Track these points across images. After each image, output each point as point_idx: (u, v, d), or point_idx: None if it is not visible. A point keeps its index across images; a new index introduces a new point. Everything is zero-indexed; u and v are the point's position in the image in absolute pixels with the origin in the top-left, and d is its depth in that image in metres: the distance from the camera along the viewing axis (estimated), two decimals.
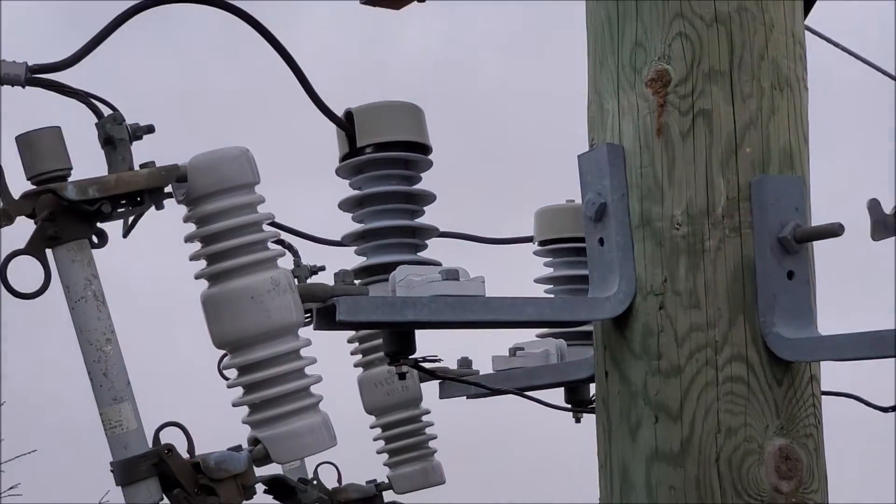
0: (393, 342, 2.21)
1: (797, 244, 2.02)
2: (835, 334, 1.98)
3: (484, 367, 2.70)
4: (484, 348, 2.69)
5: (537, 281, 2.78)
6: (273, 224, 2.16)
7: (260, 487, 2.07)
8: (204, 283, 2.04)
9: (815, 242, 2.06)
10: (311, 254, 2.65)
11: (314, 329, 2.05)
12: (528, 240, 2.83)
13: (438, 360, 2.32)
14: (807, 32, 2.21)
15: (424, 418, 2.76)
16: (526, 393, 2.53)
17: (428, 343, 2.30)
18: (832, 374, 2.18)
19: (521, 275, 2.87)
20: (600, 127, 2.15)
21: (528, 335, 2.71)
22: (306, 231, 2.72)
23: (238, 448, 2.00)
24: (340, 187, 2.42)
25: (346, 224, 2.43)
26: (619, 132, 2.11)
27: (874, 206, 1.69)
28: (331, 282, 2.06)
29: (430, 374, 2.45)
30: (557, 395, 2.76)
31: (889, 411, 2.44)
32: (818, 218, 2.07)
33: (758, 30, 2.07)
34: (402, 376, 2.43)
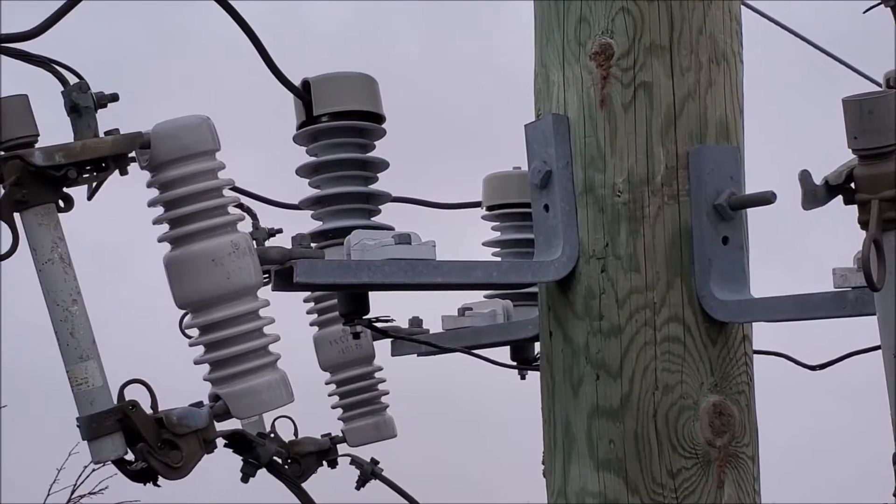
0: (348, 303, 2.27)
1: (732, 211, 2.08)
2: (766, 297, 2.06)
3: (434, 326, 2.74)
4: (435, 308, 2.75)
5: (485, 244, 2.82)
6: (233, 189, 2.21)
7: (220, 441, 2.12)
8: (167, 246, 2.08)
9: (748, 209, 2.13)
10: (269, 217, 2.70)
11: (272, 290, 2.09)
12: (477, 205, 2.88)
13: (391, 321, 2.38)
14: (743, 8, 2.28)
15: (377, 375, 2.79)
16: (473, 351, 2.60)
17: (381, 303, 2.37)
18: (764, 334, 2.27)
19: (469, 238, 2.93)
20: (546, 98, 2.20)
21: (476, 296, 2.76)
22: (265, 195, 2.76)
23: (199, 404, 2.05)
24: (298, 153, 2.48)
25: (304, 189, 2.50)
26: (565, 103, 2.16)
27: (805, 176, 1.73)
28: (288, 245, 2.10)
29: (383, 334, 2.50)
30: (504, 353, 2.84)
31: (816, 369, 2.54)
32: (752, 186, 2.15)
33: (696, 6, 2.12)
34: (356, 336, 2.49)
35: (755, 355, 2.18)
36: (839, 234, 1.97)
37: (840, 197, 1.74)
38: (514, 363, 2.82)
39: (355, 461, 2.82)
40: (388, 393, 2.83)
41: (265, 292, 2.11)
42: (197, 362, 2.10)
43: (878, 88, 1.91)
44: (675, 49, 2.11)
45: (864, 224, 1.71)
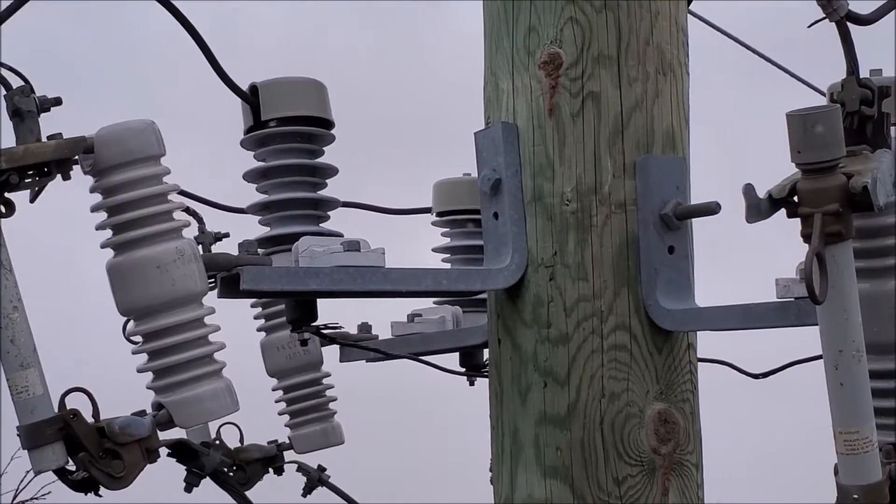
0: (295, 310, 2.25)
1: (678, 221, 2.10)
2: (711, 306, 2.07)
3: (384, 331, 2.73)
4: (385, 313, 2.74)
5: (435, 250, 2.83)
6: (179, 192, 2.19)
7: (164, 451, 2.10)
8: (110, 252, 2.07)
9: (694, 219, 2.14)
10: (217, 222, 2.68)
11: (218, 297, 2.08)
12: (427, 210, 2.89)
13: (339, 327, 2.37)
14: (691, 18, 2.30)
15: (325, 381, 2.79)
16: (421, 357, 2.59)
17: (331, 308, 2.36)
18: (709, 342, 2.28)
19: (421, 244, 2.93)
20: (496, 106, 2.20)
21: (426, 302, 2.76)
22: (213, 199, 2.74)
23: (142, 413, 2.03)
24: (246, 158, 2.47)
25: (252, 194, 2.48)
26: (514, 111, 2.16)
27: (748, 190, 1.74)
28: (235, 250, 2.10)
29: (331, 340, 2.50)
30: (453, 360, 2.84)
31: (759, 378, 2.56)
32: (697, 196, 2.16)
33: (644, 17, 2.14)
34: (303, 343, 2.48)
35: (700, 363, 2.20)
36: (783, 245, 1.98)
37: (783, 210, 1.75)
38: (463, 369, 2.82)
39: (302, 468, 2.81)
40: (336, 399, 2.83)
41: (211, 299, 2.10)
42: (140, 370, 2.09)
43: (823, 101, 1.92)
44: (623, 59, 2.13)
45: (806, 237, 1.72)
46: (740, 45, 3.11)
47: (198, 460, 2.22)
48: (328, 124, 2.44)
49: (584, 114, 2.12)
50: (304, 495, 2.84)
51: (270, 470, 2.73)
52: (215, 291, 2.10)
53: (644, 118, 2.14)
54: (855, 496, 1.79)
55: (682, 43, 2.20)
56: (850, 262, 1.75)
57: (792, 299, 1.93)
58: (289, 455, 2.78)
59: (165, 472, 2.14)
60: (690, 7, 2.30)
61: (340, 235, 2.29)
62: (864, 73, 1.90)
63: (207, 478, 2.28)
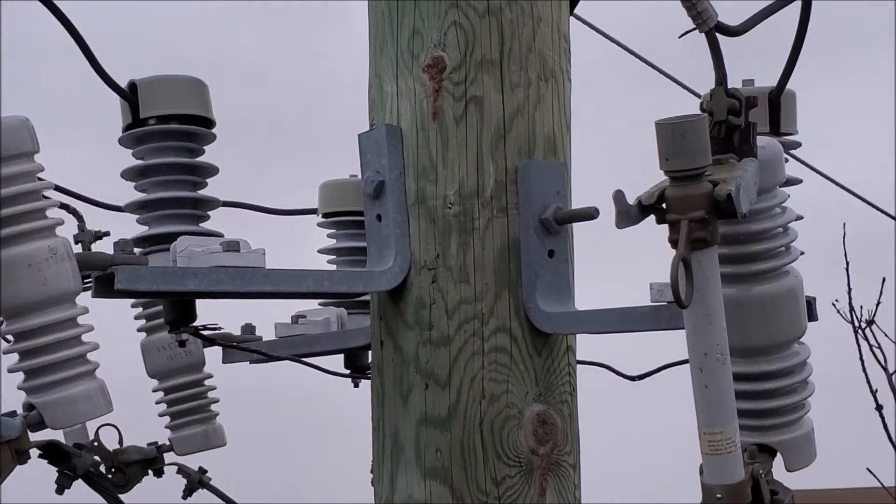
0: (173, 311, 2.23)
1: (558, 225, 2.12)
2: (589, 310, 2.10)
3: (268, 332, 2.73)
4: (270, 313, 2.73)
5: (321, 251, 2.83)
6: (58, 189, 2.16)
7: (35, 452, 2.07)
8: None
9: (574, 224, 2.17)
10: (98, 221, 2.64)
11: (92, 297, 2.04)
12: (313, 212, 2.88)
13: (219, 328, 2.35)
14: (577, 24, 2.33)
15: (207, 382, 2.77)
16: (303, 359, 2.59)
17: (213, 309, 2.33)
18: (588, 345, 2.32)
19: (308, 245, 2.92)
20: (380, 108, 2.21)
21: (311, 303, 2.75)
22: (93, 197, 2.70)
23: (12, 414, 2.00)
24: (126, 155, 2.43)
25: (132, 192, 2.45)
26: (398, 114, 2.17)
27: (619, 196, 1.77)
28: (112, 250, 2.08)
29: (211, 342, 2.48)
30: (338, 361, 2.84)
31: (636, 380, 2.61)
32: (578, 201, 2.20)
33: (526, 23, 2.16)
34: (182, 344, 2.45)
35: (578, 366, 2.23)
36: (659, 249, 2.02)
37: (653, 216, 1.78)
38: (348, 371, 2.82)
39: (182, 470, 2.78)
40: (217, 401, 2.81)
41: (85, 299, 2.06)
42: (11, 370, 2.05)
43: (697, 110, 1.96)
44: (506, 65, 2.15)
45: (673, 243, 1.75)
46: (625, 50, 3.16)
47: (69, 462, 2.19)
48: (209, 123, 2.42)
49: (467, 118, 2.14)
50: (184, 497, 2.81)
51: (150, 472, 2.69)
52: (90, 291, 2.07)
53: (526, 123, 2.16)
54: (718, 496, 1.83)
55: (564, 50, 2.23)
56: (716, 267, 1.78)
57: (665, 303, 1.97)
58: (169, 457, 2.75)
59: (37, 474, 2.10)
60: (575, 11, 2.33)
61: (221, 235, 2.27)
62: (736, 82, 1.95)
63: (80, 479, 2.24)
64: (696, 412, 1.81)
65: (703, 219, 1.73)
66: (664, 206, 1.76)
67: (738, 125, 1.84)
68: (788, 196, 2.08)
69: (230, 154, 2.47)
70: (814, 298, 2.13)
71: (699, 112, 1.89)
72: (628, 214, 1.75)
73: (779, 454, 2.10)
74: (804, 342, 2.10)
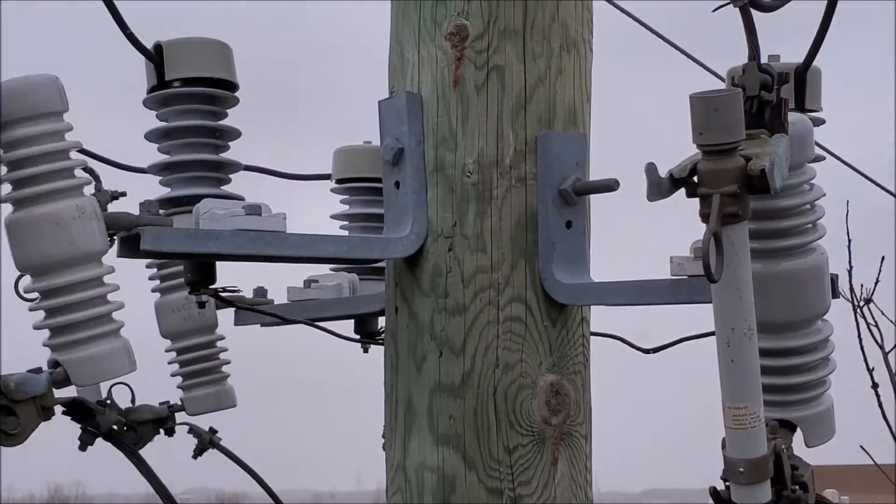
0: (194, 272, 2.24)
1: (576, 196, 2.13)
2: (605, 281, 2.12)
3: (280, 296, 2.73)
4: (282, 278, 2.74)
5: (333, 217, 2.84)
6: (80, 151, 2.16)
7: (59, 409, 2.08)
8: (9, 207, 2.03)
9: (592, 195, 2.18)
10: (113, 181, 2.65)
11: (117, 256, 2.06)
12: (327, 177, 2.89)
13: (238, 291, 2.37)
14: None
15: (219, 344, 2.78)
16: (316, 323, 2.60)
17: (226, 272, 2.35)
18: (603, 316, 2.33)
19: (322, 210, 2.93)
20: (401, 75, 2.21)
21: (322, 268, 2.75)
22: (109, 157, 2.70)
23: (38, 370, 2.01)
24: (148, 117, 2.44)
25: (150, 154, 2.46)
26: (419, 81, 2.17)
27: (651, 169, 1.77)
28: (134, 209, 2.08)
29: (228, 304, 2.49)
30: (348, 326, 2.86)
31: (650, 352, 2.62)
32: (596, 173, 2.20)
33: None
34: (201, 305, 2.47)
35: (592, 337, 2.24)
36: (677, 224, 2.04)
37: (683, 189, 1.80)
38: (358, 336, 2.83)
39: (193, 430, 2.80)
40: (229, 362, 2.81)
41: (110, 258, 2.08)
42: (37, 327, 2.06)
43: (721, 85, 1.97)
44: (528, 34, 2.15)
45: (704, 217, 1.76)
46: (645, 28, 3.16)
47: (93, 419, 2.21)
48: (232, 86, 2.42)
49: (488, 87, 2.14)
50: (194, 457, 2.83)
51: (161, 431, 2.71)
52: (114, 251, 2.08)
53: (547, 93, 2.16)
54: (741, 469, 1.85)
55: (587, 20, 2.23)
56: (746, 242, 1.79)
57: (685, 277, 1.98)
58: (180, 417, 2.76)
59: (58, 431, 2.12)
60: None
61: (242, 199, 2.28)
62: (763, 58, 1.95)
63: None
64: (720, 386, 1.82)
65: (736, 193, 1.73)
66: (696, 179, 1.77)
67: (770, 101, 1.85)
68: (816, 173, 2.08)
69: (249, 117, 2.47)
70: (836, 276, 2.14)
71: (730, 87, 1.89)
72: (659, 187, 1.76)
73: (798, 429, 2.11)
74: (827, 319, 2.10)
